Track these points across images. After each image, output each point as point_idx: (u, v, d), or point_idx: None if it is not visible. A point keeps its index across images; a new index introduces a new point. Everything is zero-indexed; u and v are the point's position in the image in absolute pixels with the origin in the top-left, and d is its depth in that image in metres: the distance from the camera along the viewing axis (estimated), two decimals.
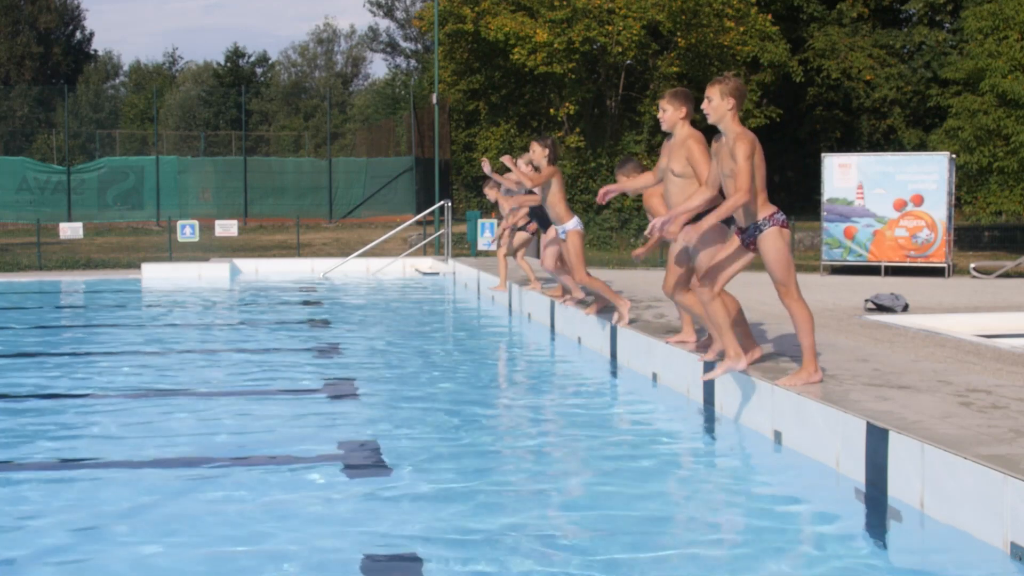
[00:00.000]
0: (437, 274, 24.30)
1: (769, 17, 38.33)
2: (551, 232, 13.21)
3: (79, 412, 9.15)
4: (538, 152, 12.19)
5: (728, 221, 7.97)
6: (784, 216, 7.69)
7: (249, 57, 75.30)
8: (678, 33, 35.38)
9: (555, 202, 12.05)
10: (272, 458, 7.41)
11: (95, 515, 6.16)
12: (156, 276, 22.91)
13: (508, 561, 5.42)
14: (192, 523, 5.99)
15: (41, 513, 6.23)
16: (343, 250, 28.91)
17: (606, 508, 6.32)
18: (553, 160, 12.13)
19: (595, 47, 35.29)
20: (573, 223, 12.01)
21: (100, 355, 12.45)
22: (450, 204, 26.24)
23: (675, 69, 36.19)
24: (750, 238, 7.67)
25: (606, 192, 8.99)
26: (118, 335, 14.35)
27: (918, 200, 23.37)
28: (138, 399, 9.61)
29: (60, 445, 7.90)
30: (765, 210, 7.61)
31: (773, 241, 7.58)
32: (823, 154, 25.12)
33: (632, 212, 34.75)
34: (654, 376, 10.06)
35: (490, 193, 16.23)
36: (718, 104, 7.73)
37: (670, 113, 8.57)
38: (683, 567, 5.36)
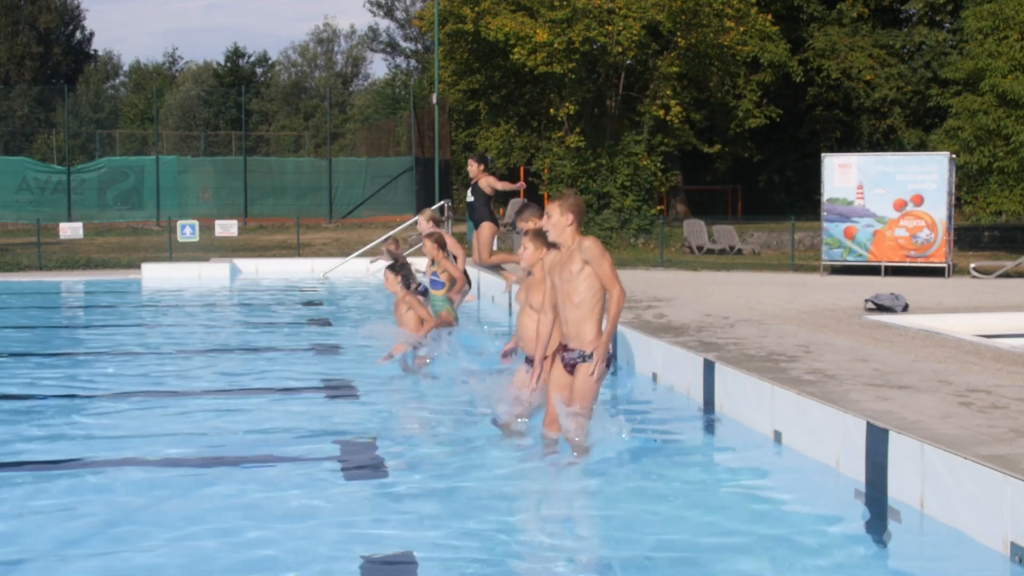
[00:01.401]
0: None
1: (769, 17, 38.31)
2: (484, 229, 14.13)
3: (79, 412, 9.16)
4: (430, 246, 12.10)
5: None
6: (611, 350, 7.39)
7: (249, 57, 75.31)
8: (678, 33, 35.34)
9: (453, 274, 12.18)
10: (271, 457, 7.41)
11: (94, 514, 6.16)
12: (156, 276, 22.91)
13: (505, 561, 5.42)
14: (190, 521, 5.99)
15: (37, 513, 6.24)
16: (343, 250, 28.91)
17: (604, 508, 6.32)
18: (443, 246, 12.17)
19: (595, 47, 35.25)
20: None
21: (99, 355, 12.45)
22: (450, 204, 26.23)
23: (675, 69, 36.17)
24: (571, 361, 7.29)
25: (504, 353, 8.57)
26: (117, 335, 14.34)
27: (918, 200, 23.37)
28: (137, 399, 9.61)
29: (56, 445, 7.90)
30: (596, 337, 7.24)
31: (588, 376, 7.21)
32: (823, 154, 25.10)
33: (632, 212, 34.74)
34: (654, 376, 10.06)
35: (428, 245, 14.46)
36: (558, 220, 7.42)
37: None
38: (682, 566, 5.36)
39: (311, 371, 11.12)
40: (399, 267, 11.81)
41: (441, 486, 6.71)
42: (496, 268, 14.68)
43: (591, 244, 7.27)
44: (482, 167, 14.33)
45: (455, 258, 12.65)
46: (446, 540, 5.70)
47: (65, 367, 11.63)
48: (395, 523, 5.99)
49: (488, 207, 14.47)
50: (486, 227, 14.35)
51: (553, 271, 7.47)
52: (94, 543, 5.70)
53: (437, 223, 13.10)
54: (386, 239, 14.48)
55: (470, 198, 14.59)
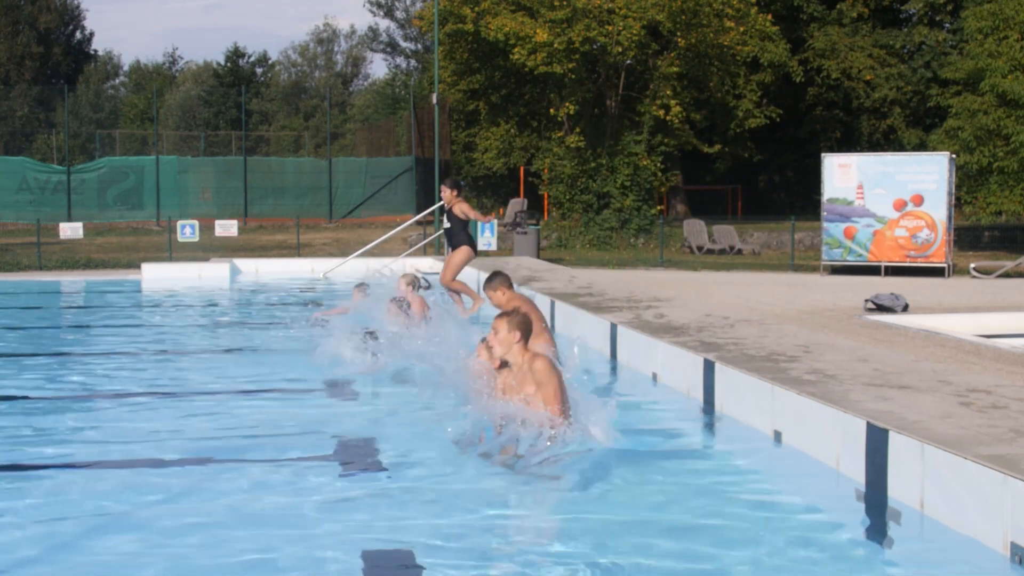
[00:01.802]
0: (437, 274, 24.25)
1: (769, 17, 38.32)
2: (459, 252, 14.24)
3: (78, 413, 9.14)
4: (393, 310, 12.16)
5: None
6: None
7: (249, 57, 75.27)
8: (678, 33, 35.36)
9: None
10: (271, 457, 7.40)
11: (92, 514, 6.16)
12: (156, 276, 22.89)
13: (506, 562, 5.42)
14: (190, 522, 5.98)
15: (32, 514, 6.23)
16: (343, 250, 28.92)
17: (604, 509, 6.32)
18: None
19: (595, 47, 35.28)
20: None
21: (97, 355, 12.44)
22: None
23: (675, 69, 36.20)
24: None
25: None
26: (117, 335, 14.34)
27: (918, 200, 23.38)
28: (136, 399, 9.60)
29: (48, 446, 7.87)
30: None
31: None
32: (823, 154, 25.12)
33: (632, 212, 34.74)
34: (654, 376, 10.05)
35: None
36: (505, 336, 7.43)
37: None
38: (683, 567, 5.36)
39: (310, 371, 11.10)
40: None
41: (443, 485, 6.71)
42: (455, 292, 14.67)
43: (541, 366, 7.30)
44: (455, 192, 14.30)
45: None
46: (448, 540, 5.70)
47: (62, 367, 11.61)
48: (396, 523, 5.98)
49: (466, 231, 14.52)
50: (462, 251, 14.39)
51: (510, 392, 7.48)
52: (85, 543, 5.69)
53: (416, 288, 12.89)
54: (359, 285, 14.52)
55: (447, 224, 14.57)
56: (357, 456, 7.47)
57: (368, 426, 8.46)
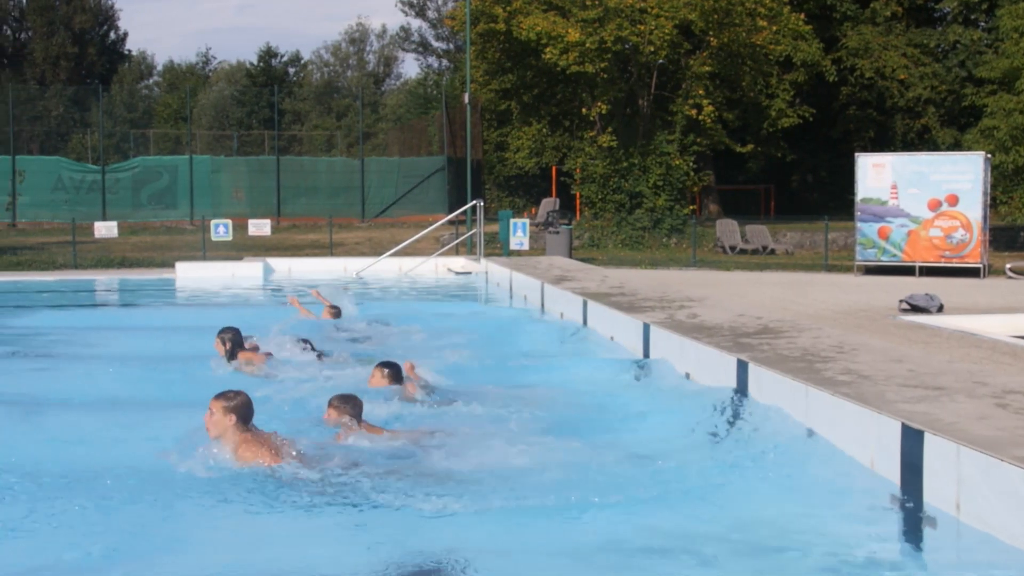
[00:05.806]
0: (470, 273, 24.32)
1: (802, 16, 38.15)
2: None
3: (95, 415, 9.12)
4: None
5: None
6: None
7: (281, 57, 75.69)
8: (710, 32, 35.27)
9: None
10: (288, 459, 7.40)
11: (101, 518, 6.17)
12: (190, 275, 23.02)
13: (513, 566, 5.43)
14: (196, 523, 6.01)
15: (40, 513, 6.25)
16: (375, 249, 29.00)
17: (622, 509, 6.30)
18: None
19: (627, 47, 35.22)
20: None
21: (121, 356, 12.48)
22: (482, 204, 26.27)
23: (707, 68, 36.09)
24: None
25: None
26: (146, 335, 14.40)
27: (953, 200, 23.23)
28: (149, 402, 9.62)
29: (63, 449, 7.89)
30: None
31: None
32: (857, 154, 25.00)
33: (664, 212, 34.68)
34: (687, 376, 10.03)
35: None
36: (219, 419, 7.00)
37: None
38: (713, 568, 5.35)
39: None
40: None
41: (455, 485, 6.71)
42: None
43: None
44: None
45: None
46: (455, 540, 5.71)
47: (89, 366, 11.66)
48: (405, 523, 5.98)
49: None
50: None
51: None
52: (93, 547, 5.71)
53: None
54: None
55: None
56: (379, 456, 7.47)
57: (394, 424, 8.46)
